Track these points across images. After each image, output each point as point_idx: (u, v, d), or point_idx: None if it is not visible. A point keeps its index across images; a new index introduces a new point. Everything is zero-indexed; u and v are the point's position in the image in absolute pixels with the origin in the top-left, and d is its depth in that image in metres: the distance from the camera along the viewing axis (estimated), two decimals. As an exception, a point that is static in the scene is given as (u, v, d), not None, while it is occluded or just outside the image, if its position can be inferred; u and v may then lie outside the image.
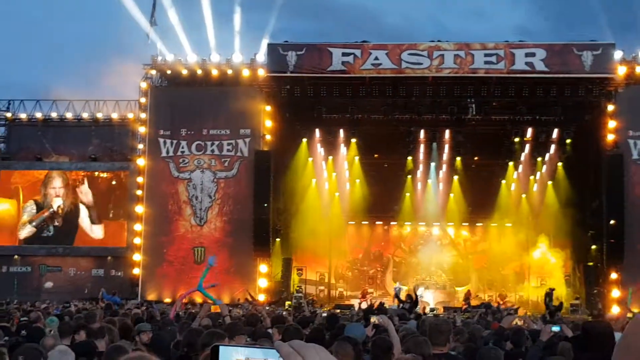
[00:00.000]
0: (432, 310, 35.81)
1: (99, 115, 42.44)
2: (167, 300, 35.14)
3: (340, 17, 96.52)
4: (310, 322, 14.50)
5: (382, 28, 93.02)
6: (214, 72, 39.13)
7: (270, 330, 11.64)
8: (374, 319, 13.11)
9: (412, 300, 32.88)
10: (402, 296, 35.06)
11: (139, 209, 39.07)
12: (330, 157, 42.15)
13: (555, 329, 10.89)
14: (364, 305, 35.06)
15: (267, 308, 27.26)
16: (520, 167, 41.98)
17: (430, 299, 40.47)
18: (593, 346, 4.79)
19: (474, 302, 37.40)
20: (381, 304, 31.56)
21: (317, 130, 40.14)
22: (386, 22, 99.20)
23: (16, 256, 41.79)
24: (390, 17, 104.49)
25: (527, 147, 40.53)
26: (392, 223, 45.16)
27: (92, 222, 41.86)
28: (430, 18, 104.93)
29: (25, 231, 41.90)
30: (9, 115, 43.24)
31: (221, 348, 1.72)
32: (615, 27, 40.36)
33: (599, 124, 36.89)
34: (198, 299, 35.14)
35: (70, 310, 18.34)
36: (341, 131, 40.14)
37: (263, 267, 37.39)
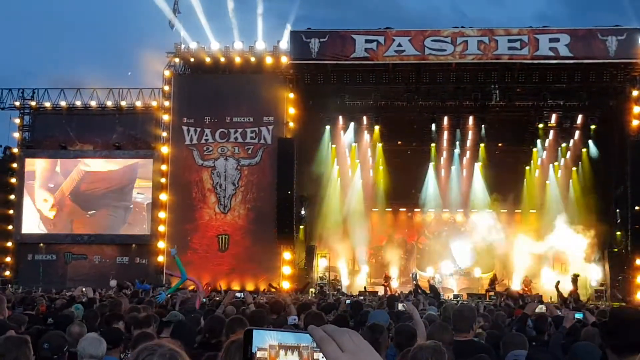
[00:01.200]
0: (455, 297, 35.75)
1: (123, 103, 42.56)
2: (192, 287, 35.28)
3: (361, 5, 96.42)
4: (334, 309, 14.54)
5: (403, 15, 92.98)
6: (237, 60, 39.17)
7: (294, 318, 11.67)
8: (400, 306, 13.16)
9: (435, 292, 33.01)
10: (421, 283, 35.12)
11: (163, 196, 39.24)
12: (354, 144, 42.05)
13: (579, 315, 10.89)
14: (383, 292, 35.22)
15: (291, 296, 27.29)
16: (545, 154, 41.73)
17: (454, 286, 40.42)
18: (621, 332, 4.78)
19: (499, 288, 37.29)
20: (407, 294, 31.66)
21: (340, 118, 40.10)
22: (407, 8, 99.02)
23: (41, 244, 42.10)
24: (411, 3, 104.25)
25: (551, 133, 40.34)
26: (415, 210, 45.05)
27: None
28: (450, 5, 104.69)
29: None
30: (33, 104, 43.45)
31: (254, 332, 1.74)
32: (637, 12, 39.96)
33: (623, 110, 36.64)
34: (223, 285, 35.42)
35: (94, 298, 18.44)
36: (364, 118, 40.09)
37: (287, 255, 37.48)
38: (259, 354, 1.71)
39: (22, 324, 9.81)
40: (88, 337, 7.49)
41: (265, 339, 1.71)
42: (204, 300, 21.12)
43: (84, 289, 20.71)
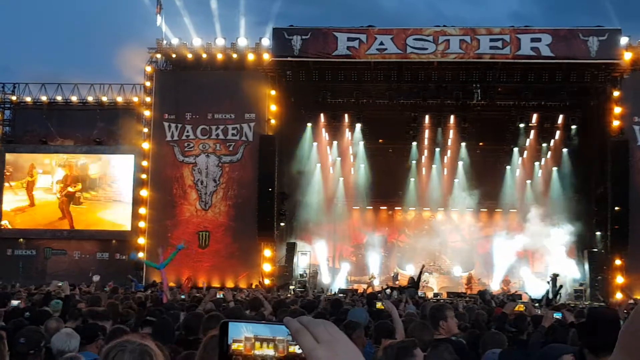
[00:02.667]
0: (435, 295, 35.84)
1: (104, 99, 42.42)
2: (171, 284, 35.17)
3: (340, 2, 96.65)
4: (315, 307, 14.56)
5: (381, 13, 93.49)
6: (219, 56, 39.09)
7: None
8: (378, 305, 13.17)
9: (414, 282, 33.14)
10: (403, 281, 35.20)
11: (144, 192, 39.12)
12: (335, 142, 42.06)
13: (557, 315, 10.94)
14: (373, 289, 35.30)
15: (270, 293, 27.28)
16: (525, 153, 41.89)
17: (434, 284, 40.53)
18: (598, 332, 4.80)
19: (476, 288, 37.39)
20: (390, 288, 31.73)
21: (322, 115, 40.11)
22: (385, 7, 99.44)
23: (21, 239, 41.89)
24: (388, 2, 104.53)
25: (532, 132, 40.52)
26: (396, 208, 45.14)
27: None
28: (427, 3, 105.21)
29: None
30: (14, 98, 43.22)
31: (230, 324, 1.73)
32: (617, 13, 40.26)
33: (604, 110, 36.84)
34: (203, 282, 35.36)
35: (74, 293, 18.37)
36: (346, 116, 40.12)
37: (267, 252, 37.44)
38: (234, 346, 1.70)
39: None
40: (62, 332, 7.46)
41: (240, 331, 1.70)
42: (183, 297, 21.10)
43: (59, 284, 20.57)
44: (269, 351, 1.68)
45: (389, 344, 5.35)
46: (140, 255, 35.88)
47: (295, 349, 1.66)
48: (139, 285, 32.60)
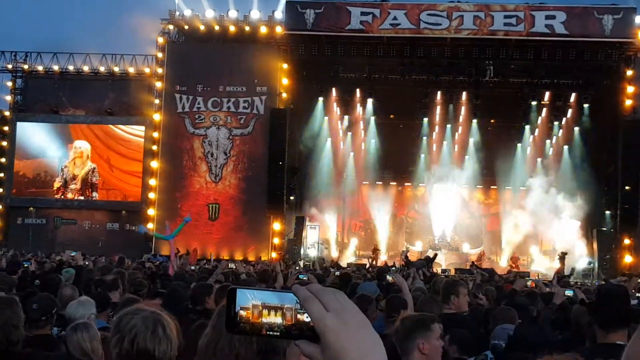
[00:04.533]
0: (443, 271, 35.82)
1: (116, 69, 42.36)
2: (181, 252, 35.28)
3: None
4: (322, 282, 14.57)
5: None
6: (232, 29, 39.01)
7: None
8: (389, 278, 13.19)
9: (428, 260, 33.20)
10: (413, 257, 35.21)
11: (154, 164, 39.15)
12: (346, 117, 41.96)
13: (569, 292, 10.92)
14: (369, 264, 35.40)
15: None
16: (537, 131, 41.71)
17: (442, 261, 40.50)
18: (606, 308, 4.81)
19: (485, 265, 37.34)
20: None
21: (333, 90, 39.98)
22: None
23: (31, 208, 42.03)
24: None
25: (544, 110, 40.28)
26: (406, 184, 45.06)
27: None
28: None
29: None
30: (25, 67, 43.20)
31: (238, 291, 1.72)
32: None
33: (617, 89, 36.64)
34: (212, 254, 35.44)
35: (83, 264, 18.44)
36: (358, 91, 39.98)
37: (276, 225, 37.50)
38: (242, 313, 1.69)
39: (12, 287, 9.79)
40: (76, 300, 7.51)
41: (248, 299, 1.69)
42: (192, 267, 21.17)
43: (72, 254, 20.64)
44: (277, 319, 1.66)
45: (407, 316, 5.36)
46: (150, 226, 36.00)
47: (304, 317, 1.64)
48: (158, 257, 32.49)
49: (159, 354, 3.69)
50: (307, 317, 1.64)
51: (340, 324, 1.60)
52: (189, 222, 28.12)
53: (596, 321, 4.90)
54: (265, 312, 1.68)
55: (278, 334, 1.67)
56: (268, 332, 1.67)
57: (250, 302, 1.69)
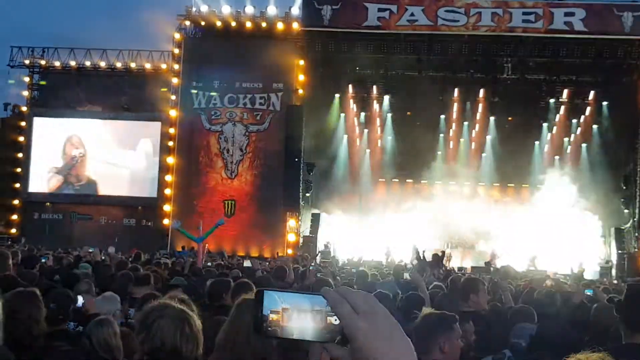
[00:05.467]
0: (460, 269, 35.73)
1: (133, 65, 42.47)
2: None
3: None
4: (337, 277, 14.53)
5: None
6: (248, 25, 39.01)
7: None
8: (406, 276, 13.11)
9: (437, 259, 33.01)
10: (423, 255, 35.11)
11: (170, 160, 39.21)
12: (363, 114, 41.91)
13: (589, 292, 10.83)
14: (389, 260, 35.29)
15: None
16: (555, 129, 41.52)
17: (458, 259, 40.35)
18: (637, 308, 4.71)
19: (499, 263, 37.16)
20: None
21: (350, 86, 39.93)
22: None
23: (48, 203, 42.21)
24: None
25: (563, 108, 40.12)
26: (422, 181, 44.87)
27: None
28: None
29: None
30: (43, 62, 43.37)
31: (266, 293, 1.67)
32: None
33: (636, 87, 36.44)
34: (228, 250, 35.40)
35: (101, 260, 18.47)
36: (374, 88, 39.92)
37: (292, 222, 37.51)
38: (271, 317, 1.64)
39: (32, 281, 9.78)
40: (105, 295, 7.54)
41: (277, 301, 1.65)
42: (210, 264, 21.14)
43: (90, 250, 20.66)
44: (308, 322, 1.64)
45: (429, 314, 5.27)
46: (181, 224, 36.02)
47: (333, 320, 1.63)
48: (177, 253, 32.31)
49: (186, 352, 3.65)
50: (336, 319, 1.61)
51: (371, 326, 1.59)
52: (221, 225, 27.79)
53: (623, 320, 4.80)
54: (294, 315, 1.65)
55: (309, 337, 1.64)
56: (299, 336, 1.65)
57: (280, 305, 1.65)
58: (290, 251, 36.46)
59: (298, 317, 1.65)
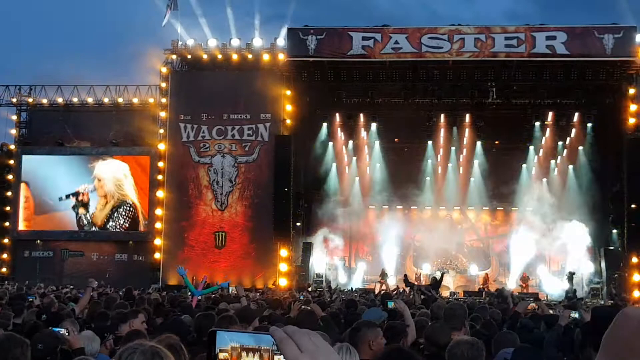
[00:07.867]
0: (452, 294, 35.77)
1: (120, 100, 42.56)
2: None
3: (331, 3, 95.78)
4: (328, 307, 14.56)
5: (372, 13, 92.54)
6: (234, 57, 39.19)
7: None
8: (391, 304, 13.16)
9: (436, 282, 33.02)
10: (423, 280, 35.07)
11: (160, 193, 39.22)
12: (351, 141, 42.06)
13: (575, 314, 10.89)
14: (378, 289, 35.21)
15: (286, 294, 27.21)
16: (541, 151, 41.72)
17: (450, 283, 40.38)
18: (603, 330, 4.79)
19: (492, 287, 37.21)
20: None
21: (337, 115, 40.13)
22: (378, 6, 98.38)
23: (38, 241, 42.10)
24: (381, 3, 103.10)
25: (548, 131, 40.34)
26: (412, 207, 44.95)
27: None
28: (420, 3, 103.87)
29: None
30: (30, 100, 43.44)
31: (218, 333, 1.76)
32: (632, 10, 39.87)
33: (620, 108, 36.70)
34: (220, 282, 35.26)
35: (92, 295, 18.44)
36: (361, 115, 40.12)
37: (283, 252, 37.46)
38: (220, 356, 1.73)
39: (9, 320, 9.85)
40: (87, 335, 7.56)
41: (227, 341, 1.73)
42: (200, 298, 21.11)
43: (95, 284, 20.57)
44: None
45: (459, 340, 5.38)
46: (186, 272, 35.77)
47: (280, 359, 1.70)
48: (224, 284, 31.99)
49: None
50: (283, 358, 1.69)
51: None
52: (225, 287, 27.41)
53: (592, 344, 4.87)
54: (243, 354, 1.73)
55: None
56: None
57: (228, 344, 1.73)
58: (284, 281, 36.40)
59: (246, 356, 1.74)
